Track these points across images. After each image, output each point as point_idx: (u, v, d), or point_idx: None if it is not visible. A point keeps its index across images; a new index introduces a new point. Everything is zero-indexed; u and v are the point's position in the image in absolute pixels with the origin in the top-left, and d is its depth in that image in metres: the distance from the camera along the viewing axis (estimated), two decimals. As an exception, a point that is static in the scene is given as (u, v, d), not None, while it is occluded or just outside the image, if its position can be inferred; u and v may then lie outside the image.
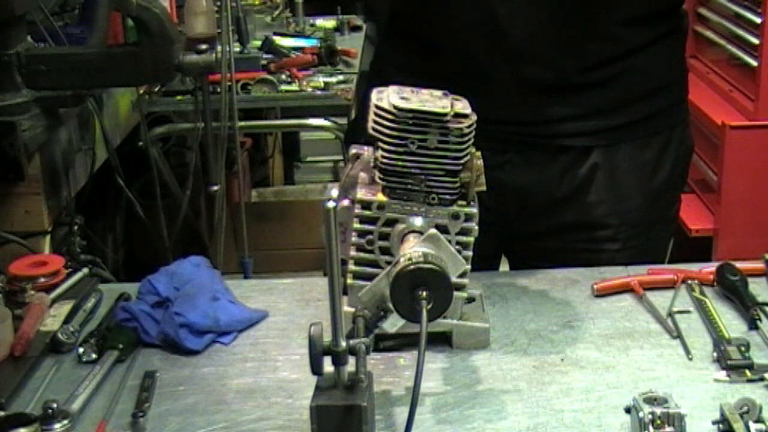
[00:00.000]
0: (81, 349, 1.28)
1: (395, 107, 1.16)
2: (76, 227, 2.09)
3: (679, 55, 1.63)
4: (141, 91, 2.86)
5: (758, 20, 2.73)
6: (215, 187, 3.04)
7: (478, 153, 1.20)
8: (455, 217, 1.20)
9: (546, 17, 1.46)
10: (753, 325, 1.30)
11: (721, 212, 2.80)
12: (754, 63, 2.76)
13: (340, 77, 3.15)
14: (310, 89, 3.07)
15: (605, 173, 1.55)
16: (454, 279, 1.08)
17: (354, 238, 1.21)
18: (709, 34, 3.16)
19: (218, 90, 2.92)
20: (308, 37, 3.58)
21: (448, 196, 1.19)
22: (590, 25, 1.48)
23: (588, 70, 1.51)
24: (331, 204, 0.96)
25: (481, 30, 1.48)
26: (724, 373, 1.20)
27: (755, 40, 2.76)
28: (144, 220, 2.94)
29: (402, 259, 1.07)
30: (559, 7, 1.46)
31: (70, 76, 1.71)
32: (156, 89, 2.97)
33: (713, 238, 2.83)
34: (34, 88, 1.70)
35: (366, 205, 1.20)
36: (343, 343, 0.99)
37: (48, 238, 1.93)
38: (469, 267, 1.20)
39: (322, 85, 3.09)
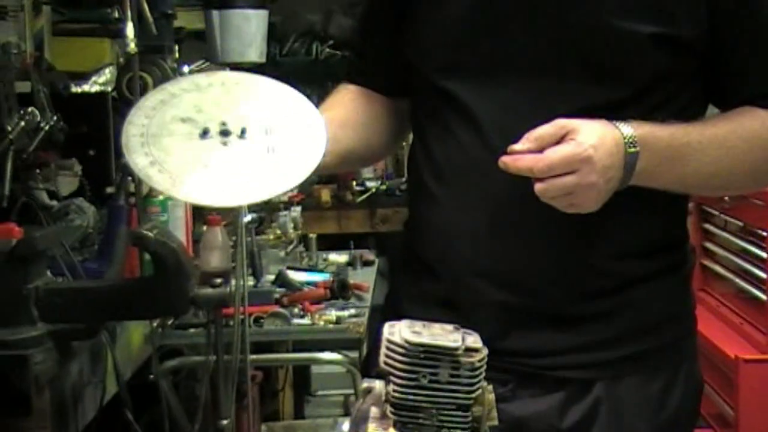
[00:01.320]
0: None
1: (407, 341, 1.17)
2: (81, 463, 2.06)
3: (682, 290, 1.63)
4: (154, 324, 2.88)
5: (764, 255, 2.78)
6: (225, 422, 2.99)
7: (490, 387, 1.20)
8: (467, 452, 1.18)
9: (533, 249, 1.49)
10: None
11: (740, 448, 2.74)
12: (763, 297, 2.78)
13: (352, 311, 3.17)
14: (322, 323, 3.08)
15: (609, 407, 1.52)
16: None
17: (365, 474, 1.19)
18: (717, 268, 3.21)
19: (231, 323, 2.94)
20: (321, 271, 3.63)
21: (459, 431, 1.18)
22: (580, 259, 1.50)
23: (581, 302, 1.51)
24: (342, 440, 0.96)
25: (473, 259, 1.50)
26: None
27: (762, 274, 2.79)
28: (151, 456, 2.88)
29: (414, 497, 1.04)
30: (546, 241, 1.48)
31: (86, 309, 1.73)
32: (169, 322, 3.00)
33: (734, 475, 2.76)
34: (49, 321, 1.71)
35: (377, 440, 1.19)
36: None
37: (52, 474, 1.89)
38: (482, 505, 1.17)
39: (334, 318, 3.10)
